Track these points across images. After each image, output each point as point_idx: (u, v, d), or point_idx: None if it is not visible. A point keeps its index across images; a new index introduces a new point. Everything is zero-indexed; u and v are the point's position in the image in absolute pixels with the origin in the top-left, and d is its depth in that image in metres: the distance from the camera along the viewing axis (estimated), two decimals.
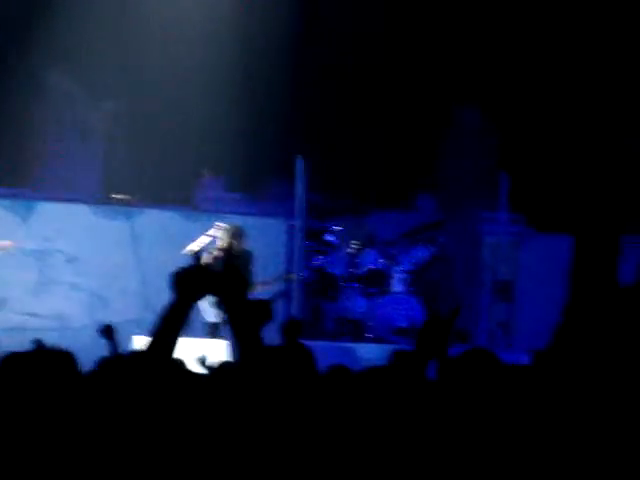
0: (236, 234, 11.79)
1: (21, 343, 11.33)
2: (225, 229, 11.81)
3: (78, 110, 14.13)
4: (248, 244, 11.92)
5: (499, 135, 14.62)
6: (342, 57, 14.44)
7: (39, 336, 10.91)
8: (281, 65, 14.12)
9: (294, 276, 12.91)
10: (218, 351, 9.58)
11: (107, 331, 6.94)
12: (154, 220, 13.09)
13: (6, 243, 11.38)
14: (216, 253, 11.73)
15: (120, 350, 6.83)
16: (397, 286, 13.69)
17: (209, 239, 11.81)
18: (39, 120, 13.83)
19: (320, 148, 14.01)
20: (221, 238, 11.73)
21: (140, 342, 10.32)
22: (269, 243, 13.06)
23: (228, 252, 11.77)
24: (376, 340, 13.18)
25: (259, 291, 11.92)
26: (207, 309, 11.72)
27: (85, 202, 13.06)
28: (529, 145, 14.25)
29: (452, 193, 14.93)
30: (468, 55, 14.35)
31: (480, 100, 14.60)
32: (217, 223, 11.90)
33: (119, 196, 13.53)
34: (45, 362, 3.41)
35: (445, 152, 14.92)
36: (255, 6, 14.14)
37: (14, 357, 3.38)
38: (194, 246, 11.64)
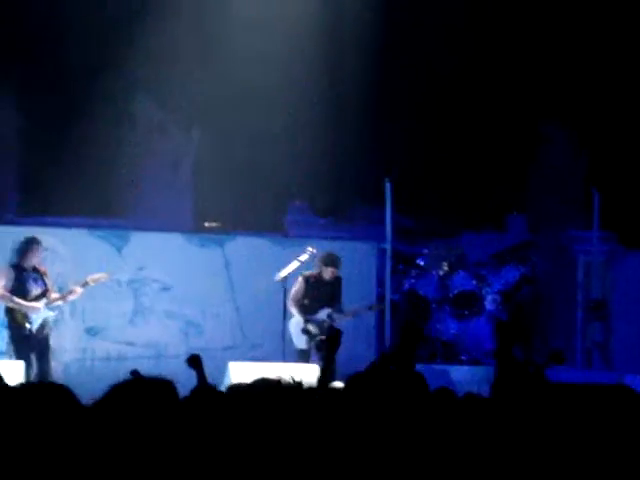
0: (327, 260, 11.82)
1: (117, 371, 11.56)
2: (316, 255, 11.86)
3: (169, 139, 14.34)
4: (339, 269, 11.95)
5: (589, 152, 14.47)
6: (430, 80, 14.44)
7: (135, 365, 11.11)
8: (369, 88, 14.17)
9: (383, 306, 12.89)
10: (308, 376, 9.64)
11: (194, 361, 6.96)
12: (245, 247, 13.21)
13: (101, 276, 11.53)
14: (306, 278, 11.80)
15: (209, 379, 6.86)
16: (489, 307, 13.60)
17: (300, 264, 11.87)
18: (131, 150, 14.05)
19: (408, 171, 14.00)
20: (313, 264, 11.79)
21: (235, 368, 10.42)
22: (359, 267, 13.07)
23: (318, 278, 11.82)
24: (470, 362, 13.10)
25: (349, 318, 11.95)
26: (298, 335, 11.79)
27: (178, 231, 13.22)
28: (620, 162, 14.07)
29: (543, 212, 14.80)
30: (557, 73, 14.24)
31: (569, 117, 14.47)
32: (308, 248, 11.95)
33: (211, 224, 13.69)
34: (148, 391, 3.47)
35: (535, 171, 14.80)
36: (343, 29, 14.22)
37: (119, 388, 3.45)
38: (285, 272, 11.71)
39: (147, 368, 10.73)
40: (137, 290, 12.85)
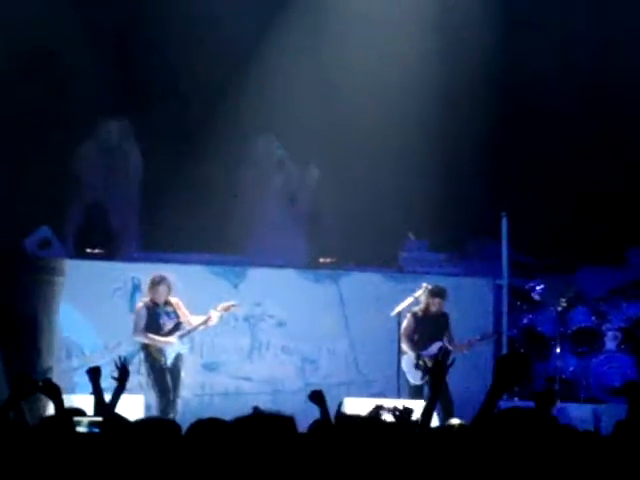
0: (433, 292, 11.84)
1: (235, 406, 11.66)
2: (424, 289, 11.87)
3: (286, 175, 14.48)
4: (449, 305, 11.92)
5: None
6: (544, 113, 14.33)
7: (253, 400, 11.21)
8: (482, 122, 14.12)
9: (495, 336, 12.77)
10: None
11: (317, 396, 7.10)
12: (360, 282, 13.23)
13: (231, 304, 11.77)
14: (414, 313, 11.80)
15: (329, 414, 6.94)
16: (609, 344, 13.33)
17: (414, 300, 11.87)
18: (248, 186, 14.23)
19: (525, 205, 13.87)
20: (421, 298, 11.81)
21: (350, 404, 10.41)
22: (476, 302, 12.97)
23: (425, 312, 11.82)
24: (589, 400, 12.84)
25: (465, 351, 11.88)
26: (412, 371, 11.76)
27: (293, 267, 13.31)
28: None
29: None
30: None
31: None
32: (423, 284, 11.95)
33: (326, 260, 13.75)
34: (269, 426, 3.50)
35: None
36: (456, 61, 14.21)
37: (242, 422, 3.49)
38: (400, 307, 11.74)
39: (264, 403, 10.87)
40: (254, 326, 12.97)
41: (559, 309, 13.57)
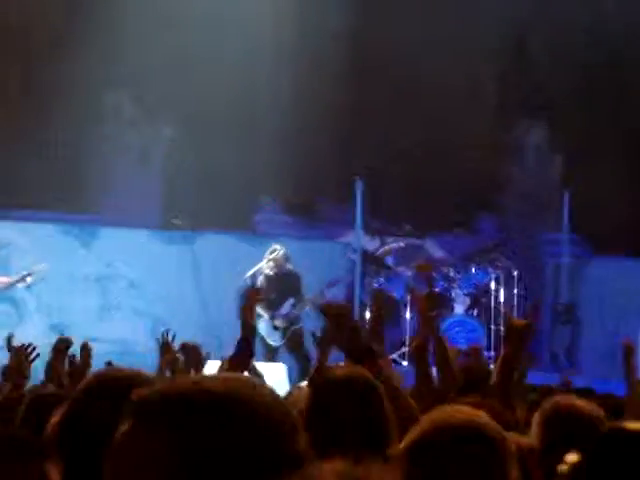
0: (284, 255, 11.87)
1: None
2: (276, 251, 11.88)
3: (139, 135, 14.23)
4: (302, 268, 11.95)
5: (563, 153, 14.51)
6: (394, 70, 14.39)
7: (102, 361, 10.99)
8: (336, 82, 14.09)
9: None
10: (276, 373, 9.62)
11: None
12: (214, 244, 13.13)
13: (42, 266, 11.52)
14: (267, 274, 11.80)
15: None
16: (457, 309, 13.60)
17: (267, 262, 11.86)
18: (100, 145, 13.94)
19: (378, 171, 13.98)
20: (272, 260, 11.81)
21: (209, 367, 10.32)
22: (328, 266, 13.03)
23: (277, 274, 11.84)
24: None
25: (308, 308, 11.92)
26: (270, 333, 11.77)
27: (145, 227, 13.11)
28: (592, 163, 14.05)
29: (514, 214, 14.82)
30: None
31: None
32: (275, 246, 11.93)
33: (178, 221, 13.60)
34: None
35: (508, 172, 14.83)
36: (307, 21, 14.15)
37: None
38: (253, 270, 11.71)
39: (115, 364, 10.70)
40: (104, 286, 12.75)
41: (409, 274, 13.76)
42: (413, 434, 2.37)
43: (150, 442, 1.40)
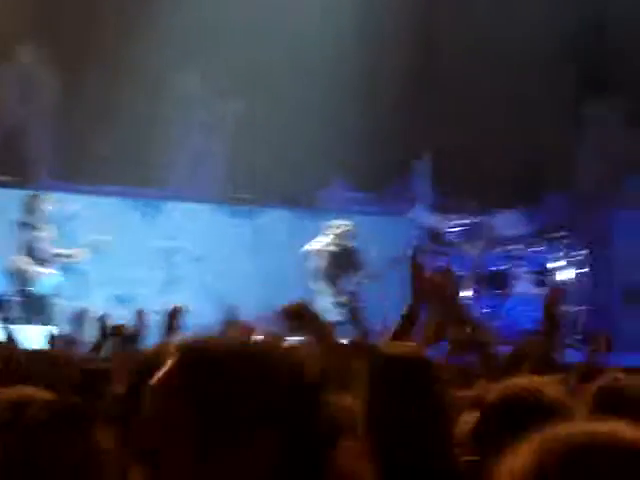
0: (346, 233, 11.84)
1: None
2: (338, 227, 11.86)
3: (206, 111, 14.28)
4: (364, 244, 11.92)
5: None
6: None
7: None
8: (403, 58, 14.01)
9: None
10: None
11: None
12: (277, 219, 13.15)
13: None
14: (329, 250, 11.80)
15: None
16: (522, 287, 13.46)
17: (327, 238, 11.86)
18: (165, 120, 14.01)
19: (443, 148, 13.87)
20: (332, 236, 11.80)
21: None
22: (392, 242, 12.98)
23: (337, 250, 11.83)
24: (500, 342, 12.96)
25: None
26: (329, 308, 11.78)
27: (210, 201, 13.17)
28: None
29: (582, 191, 14.61)
30: None
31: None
32: (336, 222, 11.93)
33: (244, 195, 13.65)
34: None
35: (576, 148, 14.63)
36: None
37: None
38: (313, 245, 11.71)
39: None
40: (167, 260, 12.85)
41: (474, 251, 13.65)
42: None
43: (178, 379, 1.65)
